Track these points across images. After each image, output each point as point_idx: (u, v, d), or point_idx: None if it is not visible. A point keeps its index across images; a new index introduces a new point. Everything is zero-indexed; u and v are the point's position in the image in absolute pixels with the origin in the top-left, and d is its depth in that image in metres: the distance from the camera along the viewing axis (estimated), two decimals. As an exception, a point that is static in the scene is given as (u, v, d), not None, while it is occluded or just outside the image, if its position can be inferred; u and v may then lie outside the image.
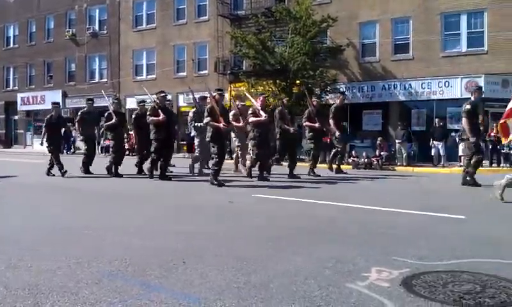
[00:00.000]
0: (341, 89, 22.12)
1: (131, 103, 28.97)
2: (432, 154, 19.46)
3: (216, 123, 10.02)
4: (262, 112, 11.28)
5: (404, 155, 19.41)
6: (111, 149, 13.47)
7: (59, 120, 12.85)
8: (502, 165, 18.82)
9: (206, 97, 14.02)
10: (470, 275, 3.48)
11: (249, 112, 11.56)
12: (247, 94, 14.45)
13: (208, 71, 29.44)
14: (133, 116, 13.13)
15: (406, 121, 21.97)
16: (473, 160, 10.22)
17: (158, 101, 11.63)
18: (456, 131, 20.12)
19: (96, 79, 34.69)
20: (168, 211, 7.12)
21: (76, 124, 13.44)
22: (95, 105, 13.73)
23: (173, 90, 29.68)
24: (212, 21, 29.31)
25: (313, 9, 23.10)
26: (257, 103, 11.73)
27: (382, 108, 23.73)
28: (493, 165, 18.87)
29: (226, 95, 27.08)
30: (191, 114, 12.76)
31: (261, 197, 8.39)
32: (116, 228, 5.57)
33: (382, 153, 19.19)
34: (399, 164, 19.30)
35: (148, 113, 11.53)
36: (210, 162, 10.66)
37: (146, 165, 12.07)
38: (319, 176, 12.32)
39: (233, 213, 6.83)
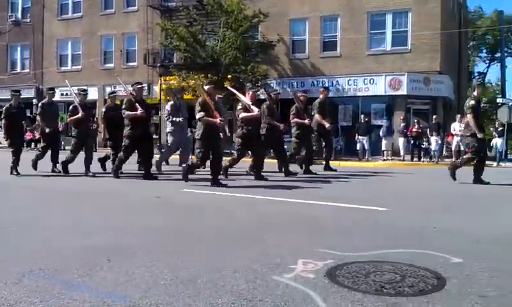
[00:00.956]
0: (271, 85, 22.41)
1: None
2: (358, 149, 20.13)
3: (210, 119, 8.96)
4: (253, 107, 10.20)
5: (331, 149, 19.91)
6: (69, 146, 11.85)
7: (19, 110, 11.45)
8: (422, 160, 19.80)
9: (184, 89, 13.38)
10: (391, 265, 3.61)
11: (239, 107, 10.49)
12: (230, 88, 12.81)
13: (138, 63, 28.85)
14: (103, 109, 12.02)
15: (334, 117, 22.56)
16: (466, 156, 10.38)
17: (135, 93, 10.52)
18: (379, 127, 20.99)
19: (18, 69, 33.09)
20: (104, 209, 6.91)
21: (38, 117, 12.01)
22: (21, 96, 12.34)
23: (99, 81, 28.79)
24: (142, 12, 28.68)
25: (245, 4, 23.17)
26: (247, 98, 10.56)
27: (311, 104, 24.17)
28: (414, 159, 19.82)
29: (156, 88, 26.78)
30: (168, 108, 11.97)
31: (204, 193, 8.32)
32: (45, 226, 5.32)
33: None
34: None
35: (123, 107, 10.35)
36: (194, 160, 9.67)
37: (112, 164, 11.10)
38: (315, 174, 11.82)
39: (170, 210, 6.74)
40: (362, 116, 21.11)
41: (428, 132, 19.73)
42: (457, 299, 2.95)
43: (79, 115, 10.77)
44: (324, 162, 13.25)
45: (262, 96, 13.87)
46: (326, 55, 24.31)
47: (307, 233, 5.02)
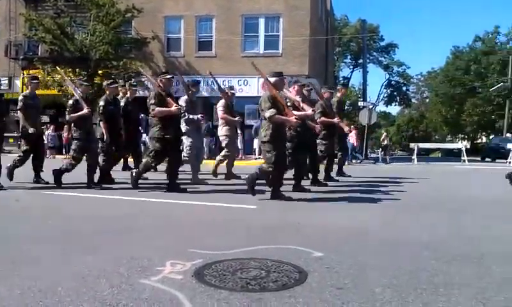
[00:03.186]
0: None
1: None
2: (233, 148, 20.51)
3: (284, 117, 7.42)
4: (305, 106, 8.54)
5: (206, 149, 20.06)
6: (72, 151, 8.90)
7: (1, 105, 9.45)
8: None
9: (199, 82, 11.20)
10: (257, 261, 3.71)
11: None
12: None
13: (-2, 55, 26.55)
14: (101, 103, 9.49)
15: (209, 116, 22.72)
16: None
17: (162, 85, 8.48)
18: (251, 126, 21.60)
19: None
20: None
21: (19, 113, 9.22)
22: None
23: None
24: (4, 1, 26.42)
25: (118, -2, 22.45)
26: (292, 94, 8.95)
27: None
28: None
29: (18, 82, 24.86)
30: (182, 103, 9.40)
31: (91, 197, 7.85)
32: None
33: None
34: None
35: (151, 102, 8.24)
36: (264, 168, 7.43)
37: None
38: (350, 176, 11.32)
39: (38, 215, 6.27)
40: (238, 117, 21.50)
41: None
42: (317, 291, 3.12)
43: (84, 111, 8.58)
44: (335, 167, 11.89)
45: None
46: (201, 55, 24.42)
47: (178, 233, 4.99)
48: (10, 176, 8.98)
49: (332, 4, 34.62)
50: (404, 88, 65.77)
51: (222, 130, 10.87)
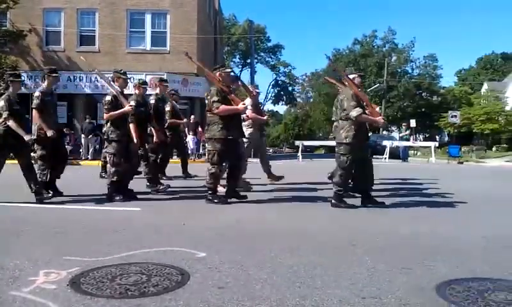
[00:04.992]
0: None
1: None
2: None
3: (371, 117, 6.93)
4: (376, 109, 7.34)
5: (91, 150, 19.24)
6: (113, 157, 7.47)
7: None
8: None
9: (238, 77, 8.92)
10: (138, 266, 3.62)
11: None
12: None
13: None
14: (132, 103, 7.95)
15: (93, 114, 21.80)
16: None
17: (221, 80, 7.39)
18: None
19: None
20: None
21: (34, 111, 7.59)
22: None
23: None
24: None
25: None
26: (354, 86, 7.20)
27: (67, 100, 22.87)
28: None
29: None
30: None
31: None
32: None
33: (68, 147, 18.56)
34: (84, 158, 19.04)
35: (213, 99, 7.12)
36: (337, 178, 6.81)
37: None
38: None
39: None
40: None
41: (186, 130, 20.50)
42: (199, 292, 3.11)
43: (127, 108, 7.48)
44: None
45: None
46: (83, 49, 23.28)
47: (55, 241, 4.70)
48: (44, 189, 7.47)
49: (220, 3, 34.84)
50: (290, 88, 68.43)
51: (247, 132, 9.15)
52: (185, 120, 10.75)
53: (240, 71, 63.42)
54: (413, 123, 27.49)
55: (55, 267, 3.59)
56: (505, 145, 38.01)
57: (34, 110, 7.51)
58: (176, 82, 22.96)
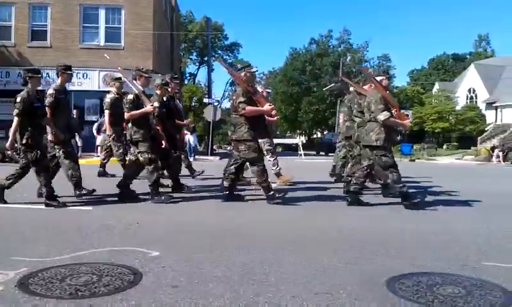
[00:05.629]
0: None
1: None
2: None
3: (399, 121, 6.97)
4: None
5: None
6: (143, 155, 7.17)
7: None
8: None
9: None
10: (89, 266, 3.54)
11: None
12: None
13: None
14: (155, 104, 7.62)
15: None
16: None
17: (247, 80, 7.17)
18: (93, 122, 20.59)
19: None
20: None
21: (46, 109, 7.01)
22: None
23: None
24: None
25: None
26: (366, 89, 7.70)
27: (17, 96, 22.14)
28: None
29: None
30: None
31: None
32: None
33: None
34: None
35: (239, 100, 6.92)
36: (391, 176, 6.84)
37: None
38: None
39: None
40: (75, 111, 20.29)
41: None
42: (151, 292, 3.08)
43: (148, 108, 7.21)
44: None
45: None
46: (34, 44, 22.58)
47: (3, 240, 4.53)
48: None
49: (177, 0, 34.44)
50: (248, 86, 68.27)
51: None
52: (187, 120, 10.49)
53: (198, 68, 63.02)
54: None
55: (2, 268, 3.47)
56: (455, 143, 39.37)
57: (46, 108, 7.04)
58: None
